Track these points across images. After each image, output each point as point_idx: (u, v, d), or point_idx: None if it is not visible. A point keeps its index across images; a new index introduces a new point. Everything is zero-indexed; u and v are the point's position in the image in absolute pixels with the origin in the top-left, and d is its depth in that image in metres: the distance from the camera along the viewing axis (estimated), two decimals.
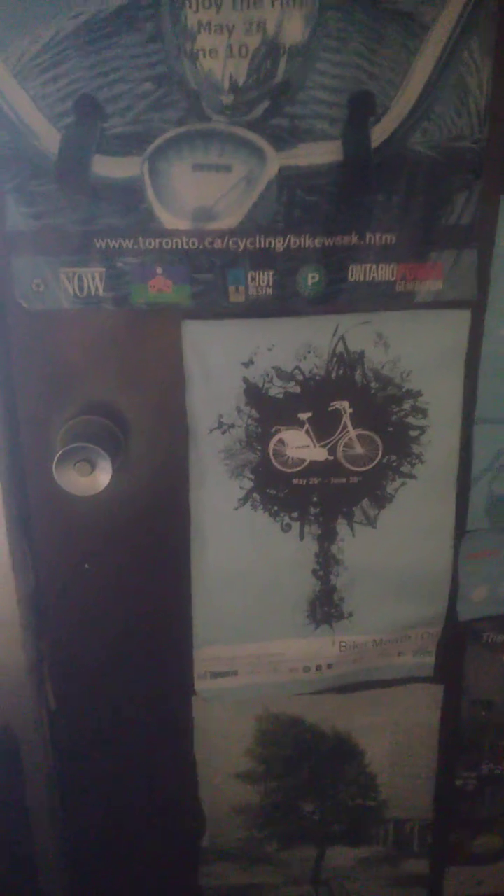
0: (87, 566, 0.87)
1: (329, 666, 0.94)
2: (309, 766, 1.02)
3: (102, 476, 0.76)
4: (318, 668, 0.94)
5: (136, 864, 1.05)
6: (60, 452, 0.75)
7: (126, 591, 0.89)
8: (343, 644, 0.93)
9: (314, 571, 0.89)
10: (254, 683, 0.94)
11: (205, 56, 0.68)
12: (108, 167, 0.71)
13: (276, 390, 0.81)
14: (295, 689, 0.96)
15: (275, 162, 0.72)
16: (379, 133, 0.73)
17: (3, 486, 0.80)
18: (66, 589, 0.89)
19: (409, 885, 1.11)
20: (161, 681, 0.94)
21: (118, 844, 1.04)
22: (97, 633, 0.91)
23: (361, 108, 0.71)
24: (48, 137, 0.70)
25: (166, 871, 1.06)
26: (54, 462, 0.75)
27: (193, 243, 0.74)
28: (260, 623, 0.91)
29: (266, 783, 1.02)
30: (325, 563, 0.89)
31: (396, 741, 1.01)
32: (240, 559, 0.88)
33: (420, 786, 1.04)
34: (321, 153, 0.72)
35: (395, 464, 0.86)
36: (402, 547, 0.89)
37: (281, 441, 0.83)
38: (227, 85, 0.70)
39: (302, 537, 0.88)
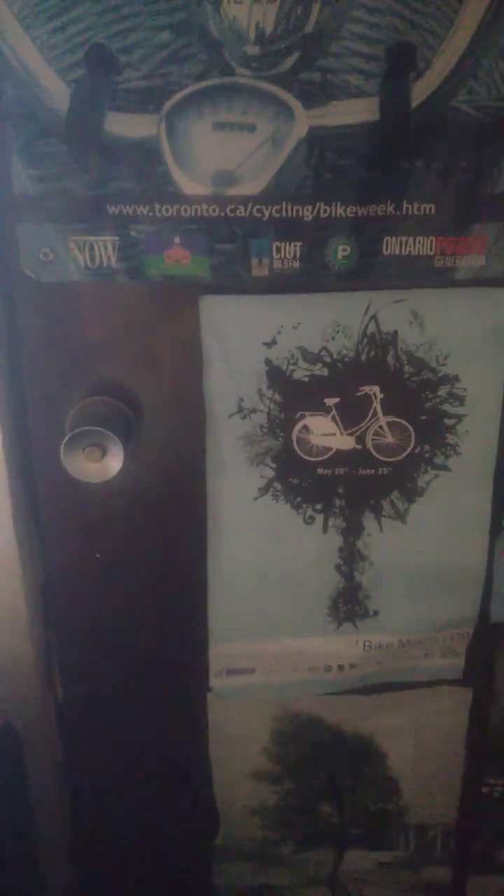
0: (97, 555, 0.85)
1: (352, 666, 0.91)
2: (327, 767, 0.99)
3: (113, 462, 0.73)
4: (340, 667, 0.91)
5: (148, 862, 1.04)
6: (69, 436, 0.72)
7: (139, 583, 0.86)
8: (367, 643, 0.90)
9: (338, 567, 0.86)
10: (271, 682, 0.92)
11: (229, 2, 0.63)
12: (122, 125, 0.67)
13: (300, 373, 0.77)
14: (315, 689, 0.93)
15: (304, 121, 0.67)
16: (419, 90, 0.67)
17: (9, 472, 0.77)
18: (76, 579, 0.86)
19: (430, 892, 1.09)
20: (175, 676, 0.92)
21: (128, 841, 1.03)
22: (108, 625, 0.88)
23: (401, 62, 0.66)
24: (57, 92, 0.65)
25: (179, 869, 1.05)
26: (62, 446, 0.72)
27: (214, 210, 0.70)
28: (279, 620, 0.88)
29: (283, 784, 1.00)
30: (350, 558, 0.85)
31: (421, 745, 0.98)
32: (259, 552, 0.84)
33: (444, 791, 1.02)
34: (355, 112, 0.67)
35: (427, 454, 0.82)
36: (433, 543, 0.85)
37: (305, 428, 0.79)
38: (252, 34, 0.64)
39: (325, 531, 0.84)
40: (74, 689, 0.92)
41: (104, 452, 0.72)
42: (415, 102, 0.67)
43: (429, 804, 1.02)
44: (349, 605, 0.87)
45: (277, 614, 0.87)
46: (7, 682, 0.86)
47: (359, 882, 1.07)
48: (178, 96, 0.66)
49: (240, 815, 1.01)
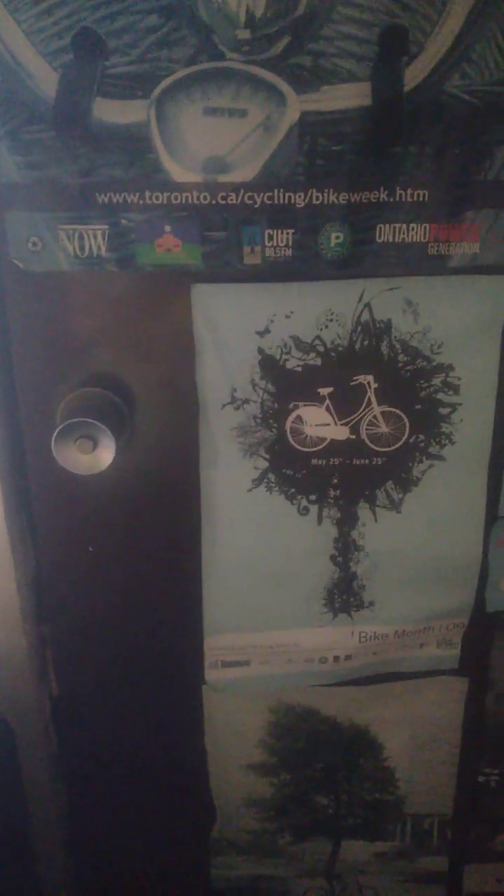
0: (90, 548, 0.84)
1: (347, 657, 0.90)
2: (324, 759, 0.99)
3: (105, 454, 0.72)
4: (336, 658, 0.90)
5: (144, 854, 1.04)
6: (60, 428, 0.71)
7: (133, 575, 0.86)
8: (363, 634, 0.89)
9: (333, 558, 0.85)
10: (267, 674, 0.91)
11: None
12: (111, 111, 0.65)
13: (294, 362, 0.76)
14: (310, 681, 0.92)
15: (296, 106, 0.66)
16: (412, 75, 0.66)
17: (0, 465, 0.76)
18: (69, 572, 0.85)
19: (427, 881, 1.09)
20: (170, 669, 0.91)
21: (124, 834, 1.02)
22: (102, 618, 0.88)
23: (393, 46, 0.65)
24: (44, 78, 0.64)
25: (175, 861, 1.05)
26: (53, 438, 0.71)
27: (205, 198, 0.69)
28: (274, 611, 0.87)
29: (279, 776, 0.99)
30: (345, 548, 0.85)
31: (417, 735, 0.98)
32: (253, 544, 0.84)
33: (441, 781, 1.02)
34: (347, 97, 0.66)
35: (422, 444, 0.81)
36: (429, 533, 0.85)
37: (299, 418, 0.79)
38: (243, 18, 0.63)
39: (320, 521, 0.83)
40: (68, 682, 0.91)
41: (95, 444, 0.71)
42: (407, 87, 0.66)
43: (425, 794, 1.02)
44: (344, 595, 0.87)
45: (272, 606, 0.87)
46: (1, 677, 0.85)
47: (356, 872, 1.07)
48: (167, 81, 0.65)
49: (236, 806, 1.01)
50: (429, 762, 1.00)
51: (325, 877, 1.07)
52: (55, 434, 0.71)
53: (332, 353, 0.76)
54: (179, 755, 0.96)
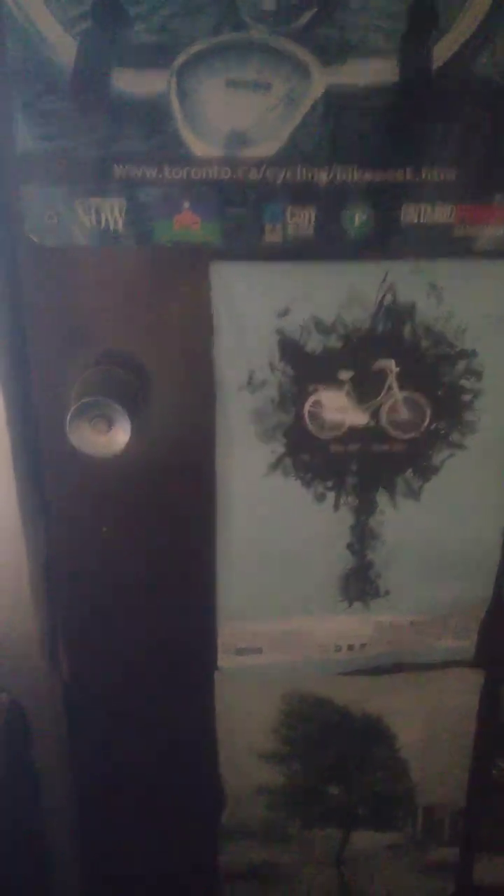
0: (104, 530, 0.83)
1: (362, 646, 0.90)
2: (336, 748, 0.98)
3: (121, 435, 0.70)
4: (350, 647, 0.90)
5: (153, 839, 1.04)
6: (74, 407, 0.69)
7: (146, 560, 0.85)
8: (378, 623, 0.88)
9: (349, 545, 0.84)
10: (280, 661, 0.90)
11: None
12: (131, 82, 0.63)
13: (314, 345, 0.74)
14: (324, 669, 0.91)
15: (321, 80, 0.64)
16: (442, 51, 0.64)
17: (12, 444, 0.75)
18: (82, 555, 0.84)
19: (437, 871, 1.09)
20: (182, 655, 0.90)
21: (134, 820, 1.02)
22: (114, 602, 0.87)
23: (423, 20, 0.63)
24: (62, 46, 0.62)
25: (184, 847, 1.04)
26: (67, 418, 0.69)
27: (226, 173, 0.67)
28: (288, 598, 0.86)
29: (290, 764, 0.99)
30: (362, 536, 0.84)
31: (431, 726, 0.97)
32: (268, 529, 0.83)
33: (453, 773, 1.01)
34: (374, 71, 0.64)
35: (443, 432, 0.79)
36: (448, 522, 0.83)
37: (318, 402, 0.77)
38: None
39: (337, 508, 0.82)
40: (80, 667, 0.90)
41: (111, 425, 0.70)
42: (436, 63, 0.64)
43: (437, 785, 1.01)
44: (360, 584, 0.86)
45: (287, 593, 0.86)
46: (12, 661, 0.85)
47: (365, 862, 1.06)
48: (189, 52, 0.63)
49: (246, 794, 1.00)
50: (442, 753, 0.99)
51: (334, 866, 1.07)
52: (70, 413, 0.69)
53: (354, 337, 0.74)
54: (190, 741, 0.96)
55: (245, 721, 0.95)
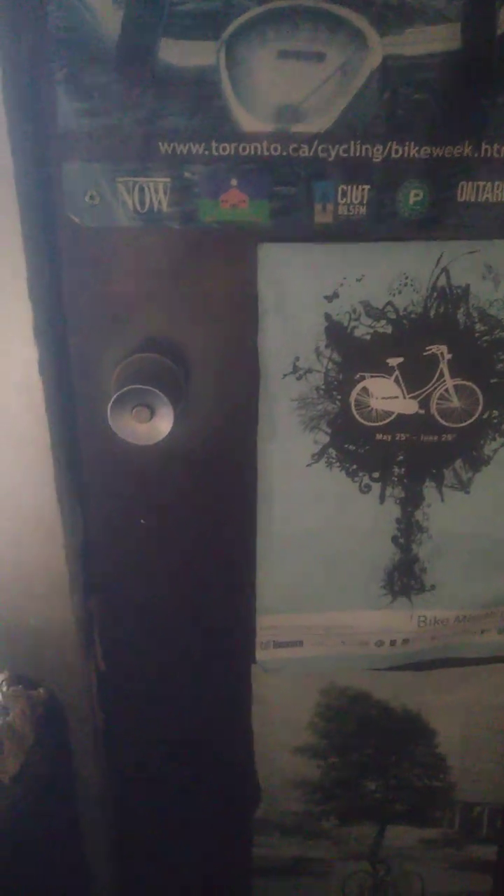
0: (142, 521, 0.81)
1: (405, 641, 0.87)
2: (374, 743, 0.97)
3: (163, 423, 0.69)
4: (393, 642, 0.88)
5: (187, 832, 1.03)
6: (116, 395, 0.68)
7: (184, 550, 0.83)
8: (422, 618, 0.86)
9: (394, 539, 0.82)
10: (320, 656, 0.89)
11: None
12: (178, 54, 0.61)
13: (362, 330, 0.72)
14: (365, 664, 0.90)
15: (378, 49, 0.61)
16: None
17: (51, 432, 0.74)
18: (119, 545, 0.83)
19: (474, 869, 1.07)
20: (219, 647, 0.89)
21: (169, 811, 1.01)
22: (151, 593, 0.86)
23: None
24: (107, 15, 0.60)
25: (218, 839, 1.04)
26: (109, 406, 0.68)
27: (275, 149, 0.64)
28: (330, 592, 0.85)
29: (327, 758, 0.97)
30: (408, 529, 0.81)
31: (472, 723, 0.96)
32: (311, 521, 0.81)
33: (493, 770, 0.99)
34: (435, 40, 0.61)
35: (496, 421, 0.77)
36: (497, 515, 0.81)
37: (365, 390, 0.75)
38: None
39: (382, 500, 0.80)
40: (115, 657, 0.90)
41: (153, 413, 0.68)
42: (500, 30, 0.61)
43: (476, 782, 1.00)
44: (405, 578, 0.84)
45: (328, 586, 0.84)
46: (49, 653, 0.84)
47: (401, 857, 1.05)
48: (239, 20, 0.60)
49: (281, 787, 0.99)
50: (482, 751, 0.97)
51: (369, 860, 1.05)
52: (111, 401, 0.67)
53: (405, 321, 0.72)
54: (226, 734, 0.95)
55: (282, 714, 0.94)
